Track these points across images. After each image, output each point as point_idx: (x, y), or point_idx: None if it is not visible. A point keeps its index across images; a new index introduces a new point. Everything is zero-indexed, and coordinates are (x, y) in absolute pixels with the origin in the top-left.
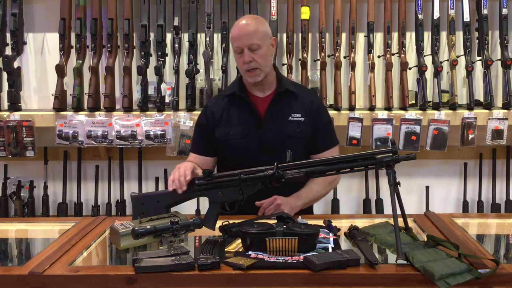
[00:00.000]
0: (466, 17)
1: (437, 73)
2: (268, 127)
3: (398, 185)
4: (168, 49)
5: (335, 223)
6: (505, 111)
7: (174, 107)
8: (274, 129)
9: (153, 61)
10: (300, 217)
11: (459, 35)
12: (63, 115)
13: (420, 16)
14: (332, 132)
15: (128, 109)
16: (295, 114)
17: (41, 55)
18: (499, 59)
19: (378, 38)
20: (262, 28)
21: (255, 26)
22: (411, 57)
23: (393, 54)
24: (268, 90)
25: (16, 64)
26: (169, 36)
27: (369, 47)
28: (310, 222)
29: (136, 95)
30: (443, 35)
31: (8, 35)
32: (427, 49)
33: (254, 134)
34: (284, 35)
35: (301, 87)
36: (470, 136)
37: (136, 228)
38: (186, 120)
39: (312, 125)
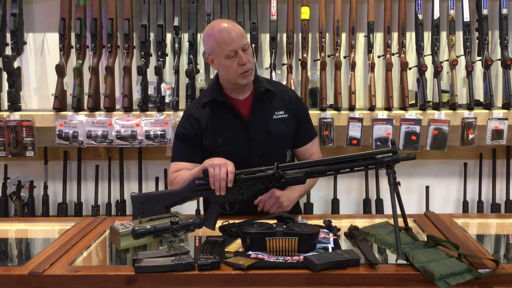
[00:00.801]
0: (466, 17)
1: (437, 73)
2: (256, 128)
3: (398, 185)
4: (168, 49)
5: (335, 223)
6: (505, 111)
7: (174, 107)
8: (261, 130)
9: (153, 61)
10: (300, 217)
11: (459, 35)
12: (63, 115)
13: (420, 16)
14: (311, 123)
15: (128, 109)
16: (278, 111)
17: (41, 55)
18: (499, 59)
19: (378, 38)
20: (242, 29)
21: (239, 27)
22: (411, 57)
23: (393, 54)
24: (247, 92)
25: (16, 64)
26: (169, 36)
27: (369, 47)
28: (310, 222)
29: (136, 95)
30: (443, 35)
31: (8, 35)
32: (427, 49)
33: (243, 138)
34: (284, 35)
35: (276, 83)
36: (470, 136)
37: (136, 228)
38: None
39: (295, 120)
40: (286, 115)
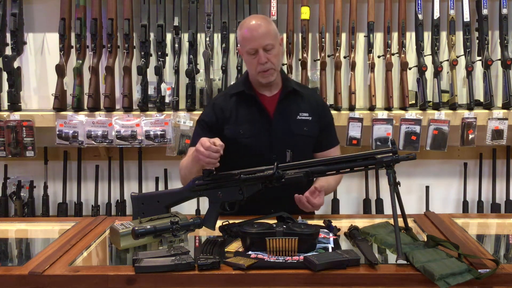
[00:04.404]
0: (466, 17)
1: (437, 73)
2: (278, 125)
3: (398, 185)
4: (168, 49)
5: (335, 223)
6: (505, 111)
7: (174, 107)
8: (283, 128)
9: (153, 61)
10: (300, 217)
11: (459, 35)
12: (63, 115)
13: (420, 16)
14: (334, 131)
15: (128, 109)
16: (303, 113)
17: (41, 55)
18: (499, 59)
19: (378, 38)
20: (273, 28)
21: (267, 26)
22: (411, 57)
23: (393, 54)
24: (274, 90)
25: (16, 64)
26: (169, 36)
27: (369, 47)
28: (310, 222)
29: (136, 95)
30: (443, 35)
31: (8, 35)
32: (427, 49)
33: (264, 133)
34: (284, 35)
35: (304, 87)
36: (470, 136)
37: (136, 228)
38: (186, 120)
39: (319, 124)
40: (310, 118)
